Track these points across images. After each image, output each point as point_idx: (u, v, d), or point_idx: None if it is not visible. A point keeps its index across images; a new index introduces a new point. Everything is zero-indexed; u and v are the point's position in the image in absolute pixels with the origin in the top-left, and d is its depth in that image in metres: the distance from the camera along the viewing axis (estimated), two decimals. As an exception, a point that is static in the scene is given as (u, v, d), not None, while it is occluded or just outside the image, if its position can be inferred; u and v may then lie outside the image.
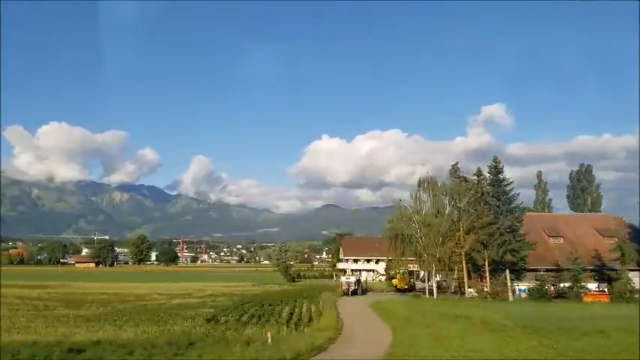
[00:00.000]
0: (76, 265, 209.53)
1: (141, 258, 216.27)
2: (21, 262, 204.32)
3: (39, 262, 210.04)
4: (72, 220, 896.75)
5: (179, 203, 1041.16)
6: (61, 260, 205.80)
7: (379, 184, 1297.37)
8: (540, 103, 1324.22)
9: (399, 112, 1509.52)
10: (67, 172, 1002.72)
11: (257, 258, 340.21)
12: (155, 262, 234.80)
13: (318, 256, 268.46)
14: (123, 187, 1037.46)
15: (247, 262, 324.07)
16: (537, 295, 51.63)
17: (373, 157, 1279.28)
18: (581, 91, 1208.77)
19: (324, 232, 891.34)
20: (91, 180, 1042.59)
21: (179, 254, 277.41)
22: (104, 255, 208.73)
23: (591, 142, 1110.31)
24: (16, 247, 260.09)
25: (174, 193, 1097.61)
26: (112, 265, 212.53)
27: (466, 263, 57.00)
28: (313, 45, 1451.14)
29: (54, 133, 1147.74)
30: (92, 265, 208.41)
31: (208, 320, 32.40)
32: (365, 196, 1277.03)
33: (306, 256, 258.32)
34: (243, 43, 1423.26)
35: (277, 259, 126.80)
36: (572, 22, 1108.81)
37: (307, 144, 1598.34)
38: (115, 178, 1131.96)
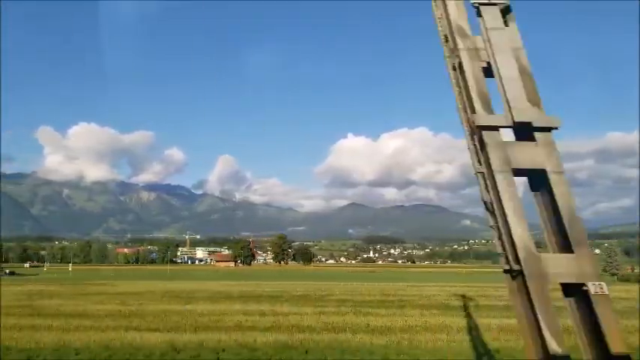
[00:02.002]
0: (216, 264, 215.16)
1: (282, 257, 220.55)
2: (136, 261, 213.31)
3: (152, 262, 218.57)
4: (102, 220, 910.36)
5: (205, 202, 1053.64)
6: (173, 259, 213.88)
7: (405, 183, 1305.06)
8: (572, 99, 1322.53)
9: (427, 110, 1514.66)
10: (96, 172, 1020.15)
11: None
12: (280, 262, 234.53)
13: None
14: (150, 187, 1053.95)
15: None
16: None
17: (399, 156, 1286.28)
18: (615, 89, 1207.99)
19: (350, 231, 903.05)
20: (119, 180, 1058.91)
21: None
22: (245, 254, 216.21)
23: (621, 139, 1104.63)
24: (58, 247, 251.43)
25: (200, 192, 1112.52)
26: (249, 264, 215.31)
27: None
28: (338, 45, 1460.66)
29: (83, 134, 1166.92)
30: (231, 264, 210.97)
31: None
32: (390, 194, 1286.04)
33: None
34: (266, 43, 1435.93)
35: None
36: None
37: (332, 143, 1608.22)
38: (143, 178, 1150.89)
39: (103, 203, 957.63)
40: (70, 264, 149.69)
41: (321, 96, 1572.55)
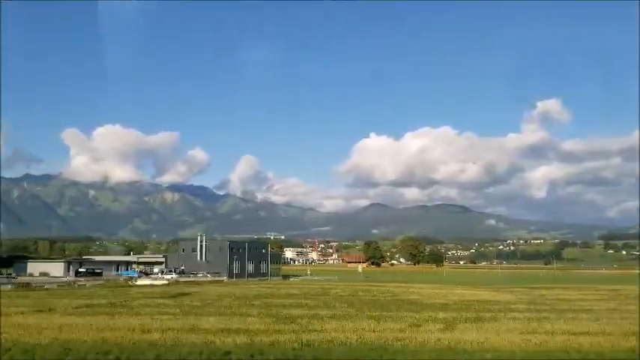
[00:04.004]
0: (348, 265, 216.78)
1: (418, 259, 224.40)
2: None
3: None
4: (128, 220, 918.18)
5: (228, 203, 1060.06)
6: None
7: (428, 183, 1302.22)
8: (599, 96, 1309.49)
9: (451, 109, 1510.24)
10: (121, 173, 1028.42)
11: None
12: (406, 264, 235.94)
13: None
14: (174, 187, 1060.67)
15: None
16: None
17: (422, 155, 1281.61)
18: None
19: (374, 231, 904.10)
20: (144, 180, 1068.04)
21: (314, 254, 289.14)
22: (379, 255, 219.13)
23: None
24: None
25: (222, 192, 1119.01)
26: (379, 265, 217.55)
27: None
28: (358, 43, 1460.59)
29: (108, 136, 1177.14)
30: (364, 265, 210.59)
31: None
32: (411, 194, 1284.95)
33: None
34: (285, 42, 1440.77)
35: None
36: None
37: (355, 142, 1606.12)
38: (167, 179, 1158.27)
39: (128, 204, 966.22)
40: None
41: (343, 95, 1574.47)
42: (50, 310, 30.33)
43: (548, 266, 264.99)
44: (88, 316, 27.12)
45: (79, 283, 63.92)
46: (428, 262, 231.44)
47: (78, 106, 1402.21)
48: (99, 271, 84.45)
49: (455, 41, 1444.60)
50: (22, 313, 28.35)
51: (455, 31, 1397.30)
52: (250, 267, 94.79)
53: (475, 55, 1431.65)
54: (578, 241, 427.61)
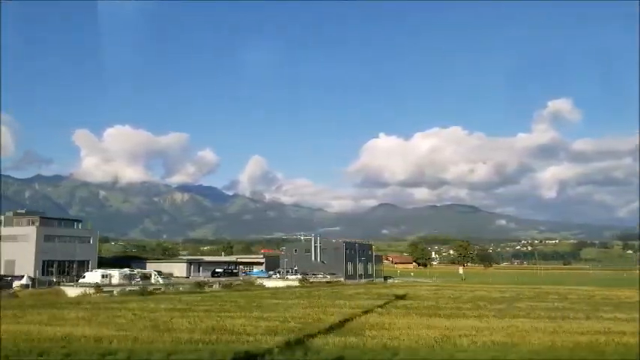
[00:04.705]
0: (396, 266, 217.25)
1: (467, 260, 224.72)
2: None
3: None
4: (138, 221, 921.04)
5: (237, 203, 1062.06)
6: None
7: (438, 183, 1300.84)
8: (610, 95, 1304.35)
9: (460, 109, 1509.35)
10: (131, 174, 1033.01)
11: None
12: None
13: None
14: (183, 188, 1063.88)
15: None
16: None
17: (432, 155, 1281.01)
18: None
19: (384, 232, 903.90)
20: (153, 181, 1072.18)
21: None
22: (427, 256, 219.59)
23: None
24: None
25: (231, 193, 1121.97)
26: (425, 265, 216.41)
27: None
28: (366, 42, 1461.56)
29: (118, 136, 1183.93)
30: (411, 265, 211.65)
31: None
32: (420, 194, 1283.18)
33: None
34: (295, 43, 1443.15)
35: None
36: None
37: (364, 142, 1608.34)
38: (176, 179, 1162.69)
39: (138, 204, 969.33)
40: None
41: (352, 96, 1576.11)
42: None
43: (588, 266, 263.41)
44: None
45: (223, 283, 66.72)
46: (475, 263, 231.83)
47: (84, 107, 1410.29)
48: (236, 271, 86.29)
49: (461, 41, 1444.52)
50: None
51: (460, 31, 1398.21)
52: (360, 268, 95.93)
53: (483, 55, 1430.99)
54: (596, 242, 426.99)
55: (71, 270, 72.01)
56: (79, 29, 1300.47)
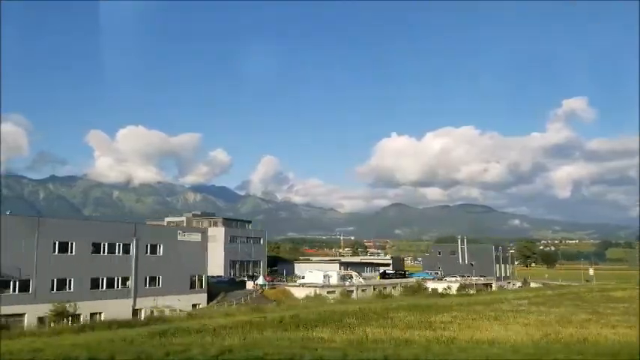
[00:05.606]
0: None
1: (531, 262, 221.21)
2: None
3: None
4: (152, 221, 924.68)
5: (249, 203, 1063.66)
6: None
7: (450, 182, 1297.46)
8: (625, 93, 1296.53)
9: (472, 109, 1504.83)
10: (144, 174, 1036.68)
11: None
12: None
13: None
14: (195, 188, 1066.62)
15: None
16: None
17: (444, 155, 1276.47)
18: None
19: (397, 232, 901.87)
20: (166, 181, 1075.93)
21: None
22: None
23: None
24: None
25: (243, 193, 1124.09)
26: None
27: None
28: (377, 42, 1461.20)
29: (132, 137, 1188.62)
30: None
31: None
32: (432, 194, 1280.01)
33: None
34: (303, 43, 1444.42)
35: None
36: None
37: (376, 142, 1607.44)
38: (189, 179, 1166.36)
39: (151, 204, 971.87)
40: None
41: (363, 95, 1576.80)
42: None
43: (625, 265, 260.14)
44: None
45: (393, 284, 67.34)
46: (537, 263, 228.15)
47: (98, 108, 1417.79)
48: (407, 273, 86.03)
49: (474, 40, 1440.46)
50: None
51: (472, 30, 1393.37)
52: (503, 270, 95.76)
53: (496, 54, 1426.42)
54: (621, 242, 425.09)
55: (249, 269, 74.67)
56: (93, 30, 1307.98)
